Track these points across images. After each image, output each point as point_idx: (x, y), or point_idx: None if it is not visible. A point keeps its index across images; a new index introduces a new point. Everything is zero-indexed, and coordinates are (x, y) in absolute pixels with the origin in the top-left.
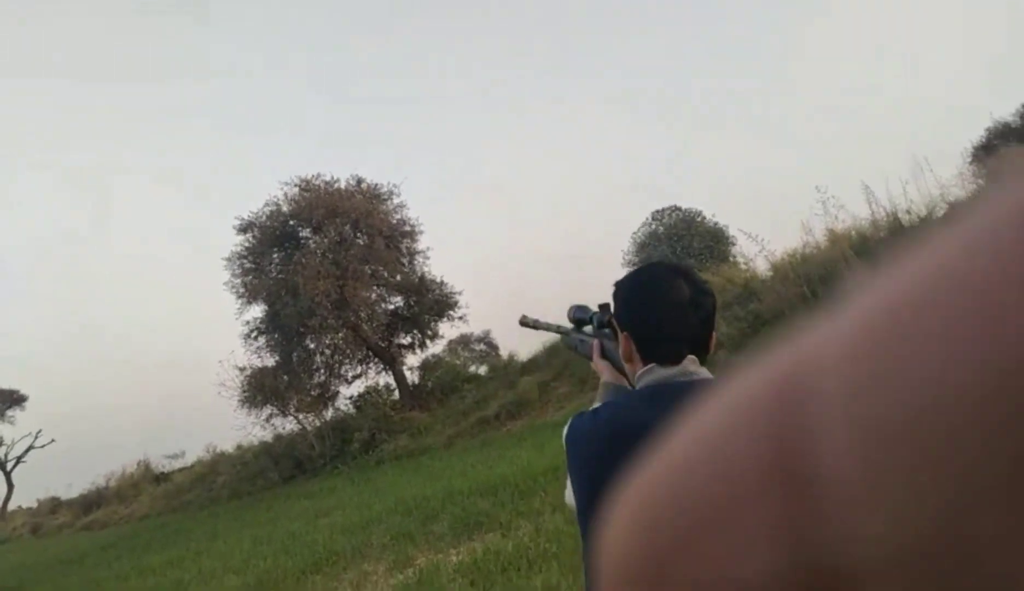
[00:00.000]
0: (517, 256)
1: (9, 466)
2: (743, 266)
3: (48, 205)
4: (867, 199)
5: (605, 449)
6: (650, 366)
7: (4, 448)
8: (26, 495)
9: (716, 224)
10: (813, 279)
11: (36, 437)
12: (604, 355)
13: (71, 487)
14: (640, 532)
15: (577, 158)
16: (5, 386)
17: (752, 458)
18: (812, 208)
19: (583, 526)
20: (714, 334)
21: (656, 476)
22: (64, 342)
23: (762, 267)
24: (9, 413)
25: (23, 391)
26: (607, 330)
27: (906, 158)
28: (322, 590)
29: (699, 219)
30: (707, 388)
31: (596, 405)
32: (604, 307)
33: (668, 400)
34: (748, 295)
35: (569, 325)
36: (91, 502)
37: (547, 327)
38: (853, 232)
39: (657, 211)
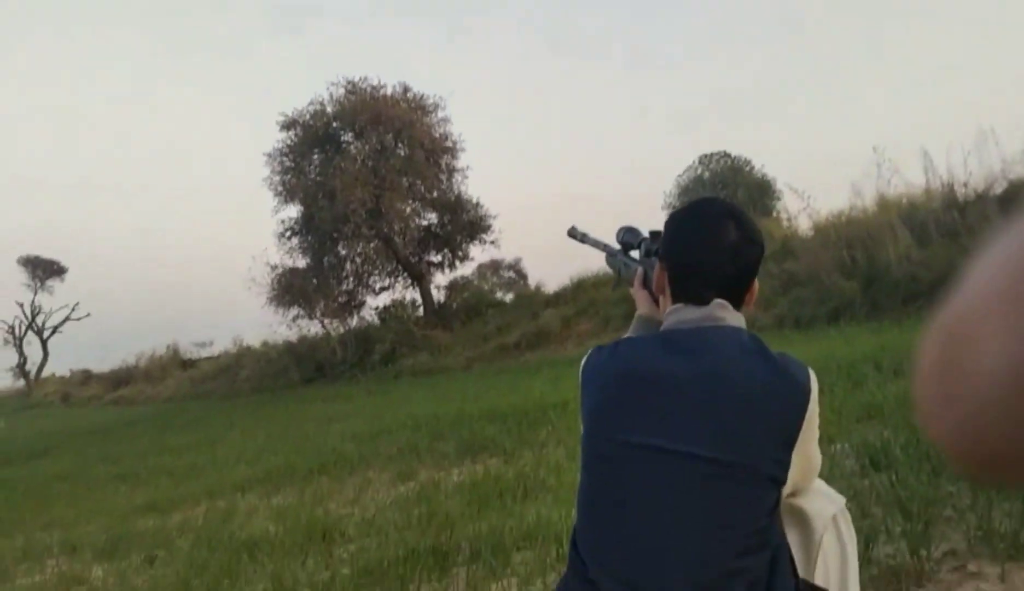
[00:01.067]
0: (558, 189)
1: (46, 334)
2: (785, 223)
3: (95, 81)
4: (924, 166)
5: (613, 387)
6: (677, 306)
7: (42, 316)
8: (59, 364)
9: (764, 176)
10: (855, 244)
11: (73, 309)
12: (645, 285)
13: (103, 361)
14: (943, 329)
15: (625, 91)
16: (46, 256)
17: (996, 293)
18: (865, 170)
19: (583, 453)
20: (754, 285)
21: (951, 305)
22: (106, 222)
23: (804, 226)
24: (49, 283)
25: (63, 263)
26: (653, 259)
27: (972, 127)
28: (327, 490)
29: (747, 168)
30: (729, 337)
31: (626, 336)
32: (654, 235)
33: (685, 347)
34: (785, 253)
35: (616, 246)
36: (120, 379)
37: (594, 243)
38: (904, 199)
39: (705, 155)
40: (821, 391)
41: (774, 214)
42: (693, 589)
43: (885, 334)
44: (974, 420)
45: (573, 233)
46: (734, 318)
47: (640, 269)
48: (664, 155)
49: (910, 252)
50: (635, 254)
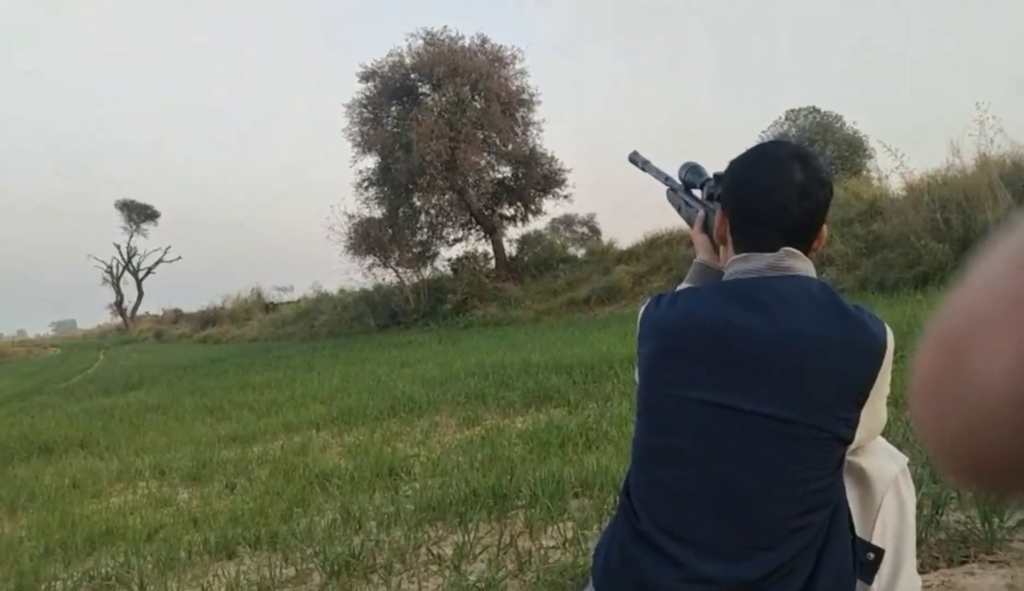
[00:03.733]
0: (633, 144)
1: (140, 275)
2: (875, 182)
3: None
4: None
5: (673, 339)
6: (743, 255)
7: (137, 258)
8: (153, 303)
9: (855, 132)
10: (949, 206)
11: (165, 252)
12: (706, 230)
13: (192, 302)
14: (942, 337)
15: (713, 48)
16: (141, 200)
17: (1002, 298)
18: (967, 127)
19: (639, 403)
20: (823, 229)
21: (950, 311)
22: (195, 166)
23: (895, 186)
24: (143, 226)
25: (156, 207)
26: (715, 204)
27: None
28: (396, 431)
29: (837, 125)
30: (799, 288)
31: (682, 286)
32: (719, 177)
33: (752, 300)
34: (873, 214)
35: (679, 182)
36: (208, 319)
37: (656, 173)
38: (1008, 160)
39: (792, 110)
40: (901, 356)
41: (863, 173)
42: (752, 548)
43: None
44: (976, 435)
45: (635, 159)
46: (804, 266)
47: (701, 212)
48: (749, 111)
49: (1010, 215)
50: (697, 194)
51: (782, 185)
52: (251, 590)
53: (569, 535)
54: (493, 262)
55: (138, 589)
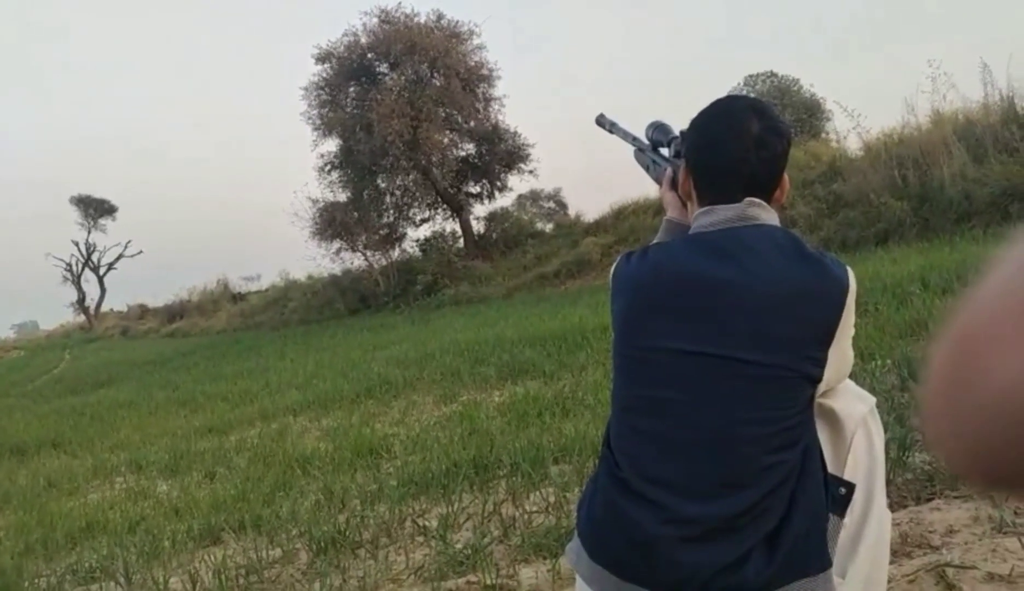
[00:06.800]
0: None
1: (101, 271)
2: (833, 143)
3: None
4: (983, 80)
5: (644, 292)
6: (707, 208)
7: (97, 254)
8: (117, 299)
9: (813, 95)
10: (906, 163)
11: (125, 247)
12: (674, 187)
13: (157, 296)
14: (956, 342)
15: (669, 14)
16: (97, 195)
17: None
18: (920, 85)
19: (615, 356)
20: (785, 180)
21: (964, 316)
22: (151, 158)
23: (854, 145)
24: (101, 221)
25: (113, 202)
26: (681, 161)
27: None
28: (373, 412)
29: (795, 88)
30: (764, 235)
31: (654, 241)
32: (685, 135)
33: (719, 249)
34: (833, 174)
35: (646, 142)
36: (175, 312)
37: (623, 134)
38: (960, 115)
39: (750, 76)
40: (865, 311)
41: (822, 135)
42: (727, 487)
43: (935, 254)
44: (989, 438)
45: (601, 121)
46: (768, 215)
47: (669, 170)
48: (710, 73)
49: (965, 170)
50: (665, 152)
51: (740, 136)
52: (239, 572)
53: (552, 500)
54: (462, 241)
55: (124, 579)
